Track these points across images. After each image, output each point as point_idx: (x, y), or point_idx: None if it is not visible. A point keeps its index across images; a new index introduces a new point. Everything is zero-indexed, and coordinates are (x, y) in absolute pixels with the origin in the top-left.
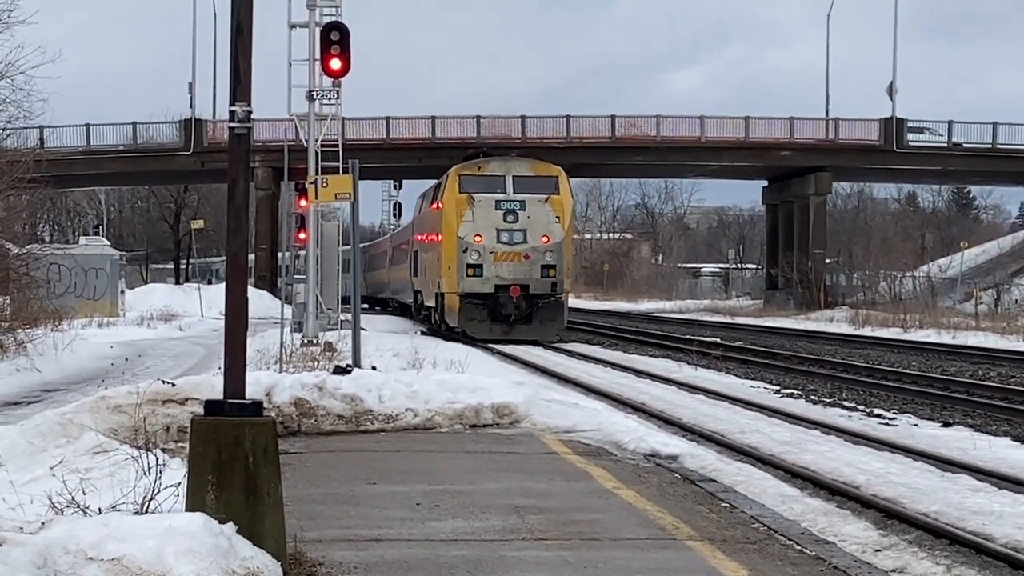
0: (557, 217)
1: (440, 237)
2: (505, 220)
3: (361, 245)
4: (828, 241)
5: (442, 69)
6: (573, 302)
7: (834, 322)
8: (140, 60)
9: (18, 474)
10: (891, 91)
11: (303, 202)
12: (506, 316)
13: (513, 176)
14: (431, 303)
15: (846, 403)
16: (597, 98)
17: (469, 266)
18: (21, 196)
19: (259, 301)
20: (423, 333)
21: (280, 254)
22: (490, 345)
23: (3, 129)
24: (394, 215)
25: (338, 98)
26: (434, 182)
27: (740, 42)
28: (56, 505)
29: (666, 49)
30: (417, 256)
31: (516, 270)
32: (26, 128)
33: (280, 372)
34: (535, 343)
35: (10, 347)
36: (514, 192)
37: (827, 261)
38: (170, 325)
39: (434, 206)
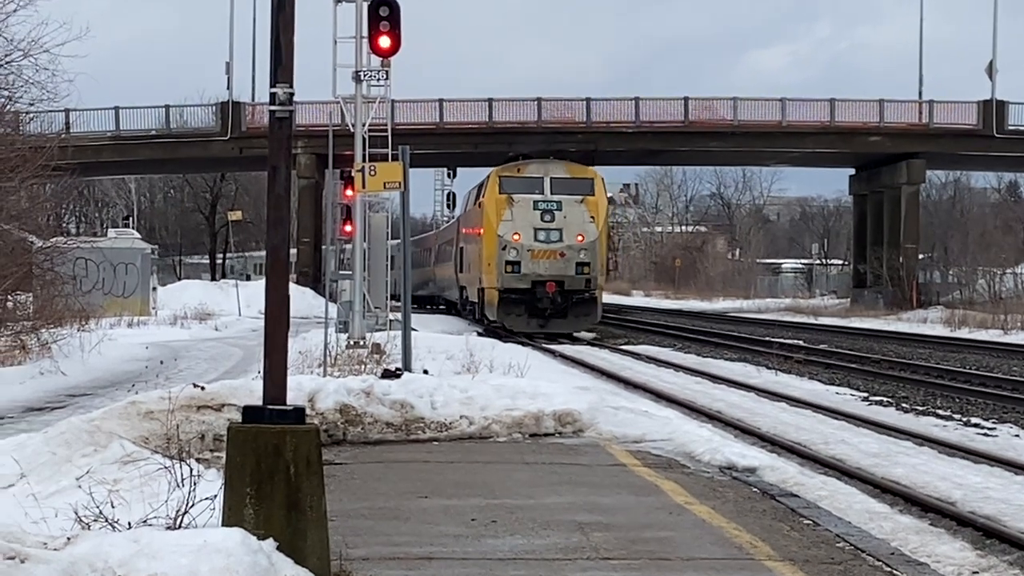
0: (592, 217)
1: (482, 235)
2: (542, 219)
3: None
4: (921, 235)
5: (500, 48)
6: (641, 301)
7: (928, 323)
8: (174, 39)
9: (41, 486)
10: (991, 70)
11: (349, 192)
12: (542, 310)
13: (551, 178)
14: (474, 299)
15: (941, 412)
16: (670, 80)
17: (508, 263)
18: (45, 185)
19: (301, 299)
20: (479, 334)
21: (324, 248)
22: (551, 348)
23: (26, 113)
24: (448, 206)
25: (387, 79)
26: (486, 172)
27: (827, 19)
28: (82, 519)
29: (747, 27)
30: (463, 253)
31: (552, 267)
32: (51, 111)
33: (324, 376)
34: (600, 345)
35: (33, 348)
36: (551, 193)
37: (920, 257)
38: (205, 325)
39: (476, 205)
